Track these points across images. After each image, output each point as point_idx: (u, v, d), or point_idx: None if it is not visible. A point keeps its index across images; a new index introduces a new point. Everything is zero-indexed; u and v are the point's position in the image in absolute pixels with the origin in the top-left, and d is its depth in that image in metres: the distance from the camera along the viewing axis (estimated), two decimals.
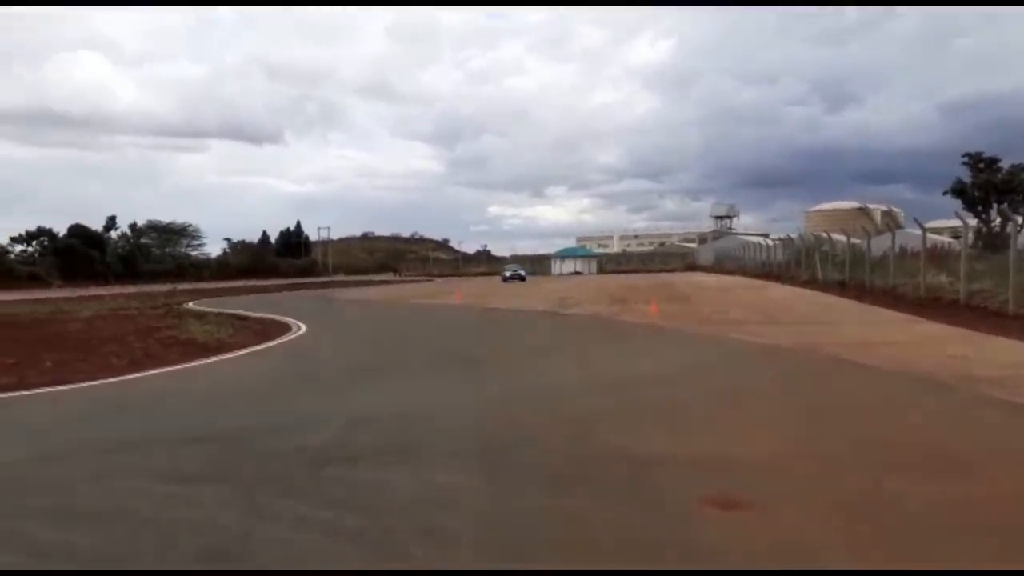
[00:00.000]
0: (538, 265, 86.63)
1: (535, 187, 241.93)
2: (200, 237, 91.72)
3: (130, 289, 49.15)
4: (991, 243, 39.11)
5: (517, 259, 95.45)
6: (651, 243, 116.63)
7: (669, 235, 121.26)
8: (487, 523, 4.15)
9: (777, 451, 5.60)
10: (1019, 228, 37.77)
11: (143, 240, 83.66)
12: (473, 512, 4.32)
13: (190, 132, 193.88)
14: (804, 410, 7.22)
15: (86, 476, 5.37)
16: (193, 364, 11.75)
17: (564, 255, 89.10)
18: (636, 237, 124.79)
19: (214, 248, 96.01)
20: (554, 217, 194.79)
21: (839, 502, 4.37)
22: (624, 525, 4.08)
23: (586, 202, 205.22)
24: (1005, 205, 40.88)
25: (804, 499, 4.45)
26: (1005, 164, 42.56)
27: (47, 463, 5.90)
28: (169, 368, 11.28)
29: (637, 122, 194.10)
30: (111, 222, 79.58)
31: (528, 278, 61.14)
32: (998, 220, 41.84)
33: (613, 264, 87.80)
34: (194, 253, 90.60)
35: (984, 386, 7.86)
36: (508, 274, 60.67)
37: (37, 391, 9.33)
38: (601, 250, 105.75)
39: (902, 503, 4.30)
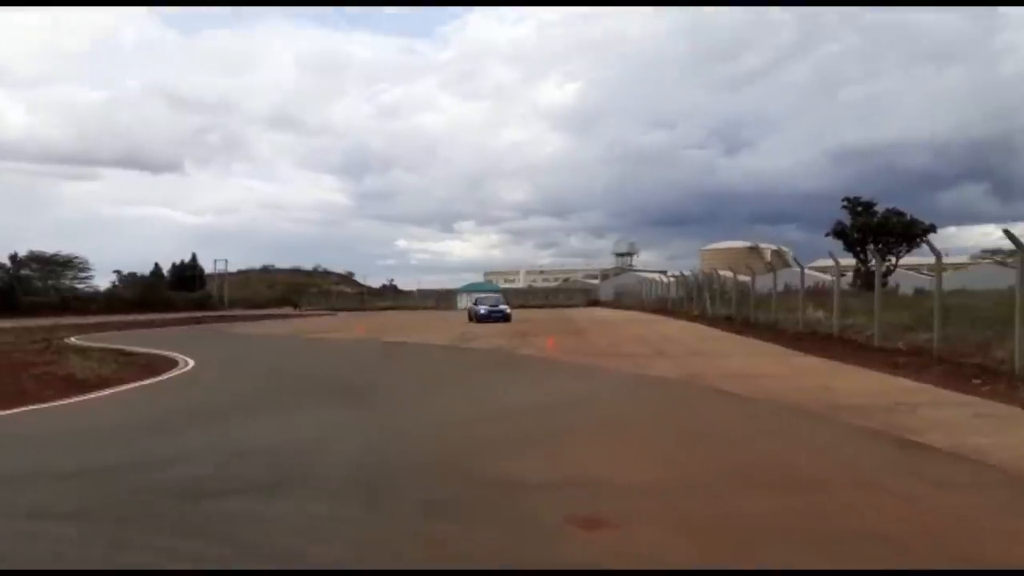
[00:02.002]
0: (444, 300, 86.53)
1: (444, 222, 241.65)
2: (88, 269, 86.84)
3: (7, 324, 46.02)
4: (868, 282, 41.85)
5: (425, 294, 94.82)
6: (556, 279, 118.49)
7: (573, 271, 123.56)
8: (357, 549, 4.24)
9: (646, 474, 5.90)
10: (892, 269, 40.34)
11: (24, 272, 78.71)
12: (345, 539, 4.40)
13: (82, 160, 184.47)
14: (677, 437, 7.61)
15: None
16: (70, 400, 11.24)
17: (471, 289, 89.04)
18: (542, 272, 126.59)
19: (103, 281, 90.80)
20: (462, 252, 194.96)
21: (695, 519, 4.68)
22: (493, 545, 4.25)
23: (494, 237, 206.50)
24: (880, 246, 43.93)
25: (663, 517, 4.73)
26: (881, 208, 45.79)
27: None
28: (43, 405, 10.75)
29: (545, 161, 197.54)
30: None
31: (432, 313, 59.60)
32: (874, 261, 44.85)
33: (519, 299, 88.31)
34: (81, 286, 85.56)
35: (844, 414, 8.46)
36: (483, 310, 38.59)
37: None
38: (507, 285, 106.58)
39: (749, 519, 4.65)
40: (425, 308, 78.94)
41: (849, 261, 44.34)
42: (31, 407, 10.54)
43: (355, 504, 5.17)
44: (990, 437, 6.95)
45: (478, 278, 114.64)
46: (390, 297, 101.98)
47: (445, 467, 6.31)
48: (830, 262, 23.10)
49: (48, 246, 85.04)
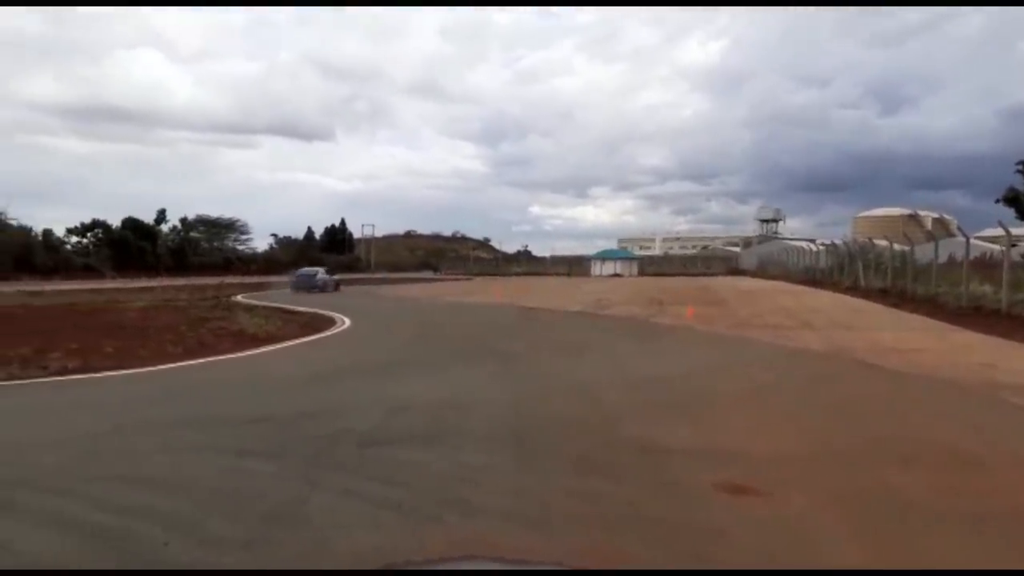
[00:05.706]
0: (577, 266, 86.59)
1: (578, 188, 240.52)
2: (247, 232, 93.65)
3: (180, 281, 50.63)
4: None
5: (557, 260, 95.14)
6: (694, 246, 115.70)
7: (713, 238, 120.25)
8: (511, 497, 4.59)
9: (790, 445, 5.94)
10: None
11: (192, 233, 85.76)
12: (500, 488, 4.78)
13: (242, 128, 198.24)
14: (821, 409, 7.53)
15: (156, 448, 5.95)
16: (245, 353, 12.43)
17: (604, 257, 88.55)
18: (679, 240, 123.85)
19: (261, 243, 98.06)
20: (596, 218, 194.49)
21: (840, 491, 4.71)
22: (639, 504, 4.49)
23: (629, 203, 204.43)
24: None
25: (809, 487, 4.80)
26: None
27: (119, 436, 6.50)
28: (222, 356, 11.97)
29: (684, 123, 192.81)
30: (161, 215, 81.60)
31: (565, 280, 60.01)
32: None
33: (654, 267, 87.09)
34: (241, 247, 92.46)
35: (1005, 392, 8.07)
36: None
37: (102, 374, 10.06)
38: (642, 252, 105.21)
39: (898, 493, 4.64)
40: (557, 274, 79.34)
41: (1023, 230, 40.77)
42: (213, 358, 11.77)
43: (508, 457, 5.55)
44: None
45: (611, 245, 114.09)
46: (524, 263, 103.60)
47: (589, 428, 6.60)
48: (1000, 232, 21.37)
49: (212, 210, 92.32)
